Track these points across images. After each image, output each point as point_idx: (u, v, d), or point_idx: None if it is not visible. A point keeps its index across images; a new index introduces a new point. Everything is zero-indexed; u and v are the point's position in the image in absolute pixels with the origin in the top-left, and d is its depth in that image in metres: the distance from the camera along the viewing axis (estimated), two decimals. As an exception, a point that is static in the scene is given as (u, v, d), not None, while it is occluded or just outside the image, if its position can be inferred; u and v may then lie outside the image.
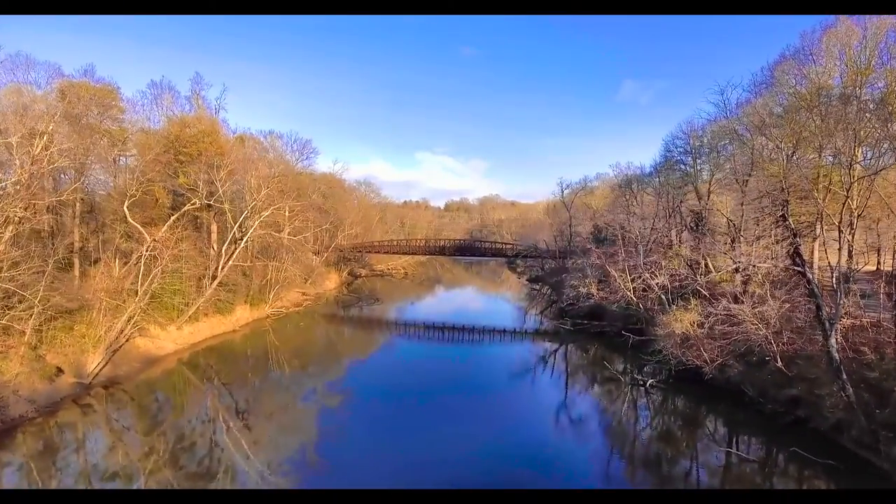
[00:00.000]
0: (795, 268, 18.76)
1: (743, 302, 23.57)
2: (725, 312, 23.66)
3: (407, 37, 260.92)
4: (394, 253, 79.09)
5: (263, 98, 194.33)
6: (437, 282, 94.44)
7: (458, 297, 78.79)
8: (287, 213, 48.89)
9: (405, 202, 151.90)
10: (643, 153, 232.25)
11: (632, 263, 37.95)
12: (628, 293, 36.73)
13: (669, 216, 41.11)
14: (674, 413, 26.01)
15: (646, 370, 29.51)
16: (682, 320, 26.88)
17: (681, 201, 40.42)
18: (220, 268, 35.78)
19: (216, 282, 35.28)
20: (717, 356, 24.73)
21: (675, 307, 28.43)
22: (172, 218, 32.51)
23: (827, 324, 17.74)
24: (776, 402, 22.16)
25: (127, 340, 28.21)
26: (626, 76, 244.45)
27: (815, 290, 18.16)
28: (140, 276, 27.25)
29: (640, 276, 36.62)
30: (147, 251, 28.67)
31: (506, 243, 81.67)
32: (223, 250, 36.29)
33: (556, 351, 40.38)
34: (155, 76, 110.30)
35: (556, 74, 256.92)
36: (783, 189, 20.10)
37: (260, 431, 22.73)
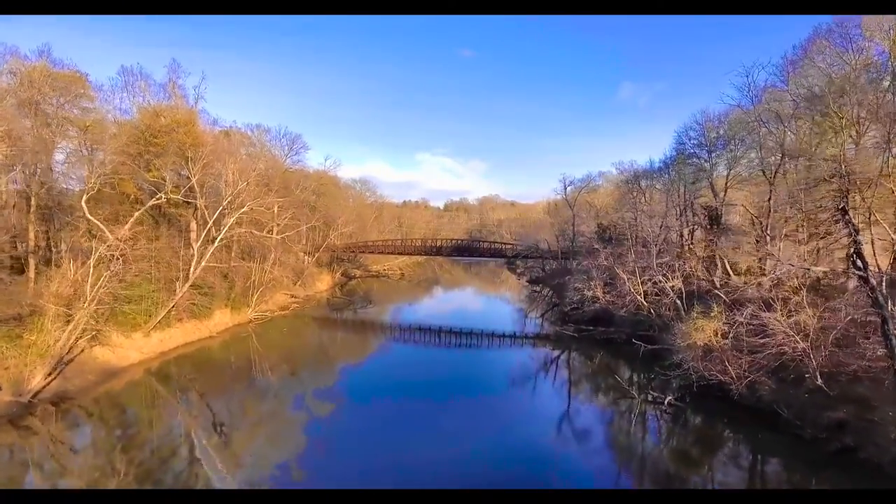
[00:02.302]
0: (856, 272, 15.80)
1: (776, 310, 20.52)
2: (756, 322, 20.65)
3: (406, 37, 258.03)
4: (390, 253, 76.46)
5: (262, 99, 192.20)
6: (435, 283, 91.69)
7: (455, 299, 75.97)
8: (276, 210, 46.05)
9: (404, 202, 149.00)
10: (642, 154, 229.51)
11: (641, 265, 35.00)
12: (638, 297, 33.80)
13: (682, 213, 38.21)
14: (695, 435, 22.89)
15: (655, 383, 26.61)
16: (704, 329, 23.87)
17: (695, 197, 37.48)
18: (192, 268, 32.72)
19: (188, 284, 32.26)
20: (745, 371, 21.69)
21: (694, 314, 25.40)
22: (136, 214, 29.45)
23: (894, 339, 14.80)
24: (817, 427, 19.10)
25: (82, 351, 25.25)
26: (624, 78, 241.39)
27: (881, 299, 15.19)
28: (92, 278, 24.19)
29: (650, 279, 33.72)
30: (106, 251, 25.61)
31: (505, 243, 78.62)
32: (196, 249, 33.26)
33: (558, 358, 37.46)
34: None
35: (555, 76, 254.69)
36: (842, 176, 17.01)
37: (239, 446, 20.52)
